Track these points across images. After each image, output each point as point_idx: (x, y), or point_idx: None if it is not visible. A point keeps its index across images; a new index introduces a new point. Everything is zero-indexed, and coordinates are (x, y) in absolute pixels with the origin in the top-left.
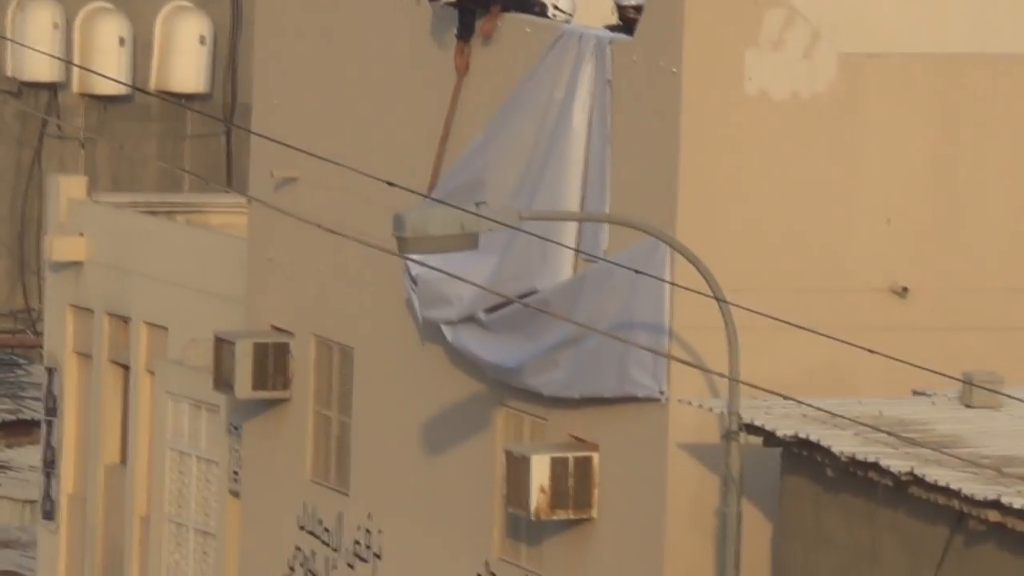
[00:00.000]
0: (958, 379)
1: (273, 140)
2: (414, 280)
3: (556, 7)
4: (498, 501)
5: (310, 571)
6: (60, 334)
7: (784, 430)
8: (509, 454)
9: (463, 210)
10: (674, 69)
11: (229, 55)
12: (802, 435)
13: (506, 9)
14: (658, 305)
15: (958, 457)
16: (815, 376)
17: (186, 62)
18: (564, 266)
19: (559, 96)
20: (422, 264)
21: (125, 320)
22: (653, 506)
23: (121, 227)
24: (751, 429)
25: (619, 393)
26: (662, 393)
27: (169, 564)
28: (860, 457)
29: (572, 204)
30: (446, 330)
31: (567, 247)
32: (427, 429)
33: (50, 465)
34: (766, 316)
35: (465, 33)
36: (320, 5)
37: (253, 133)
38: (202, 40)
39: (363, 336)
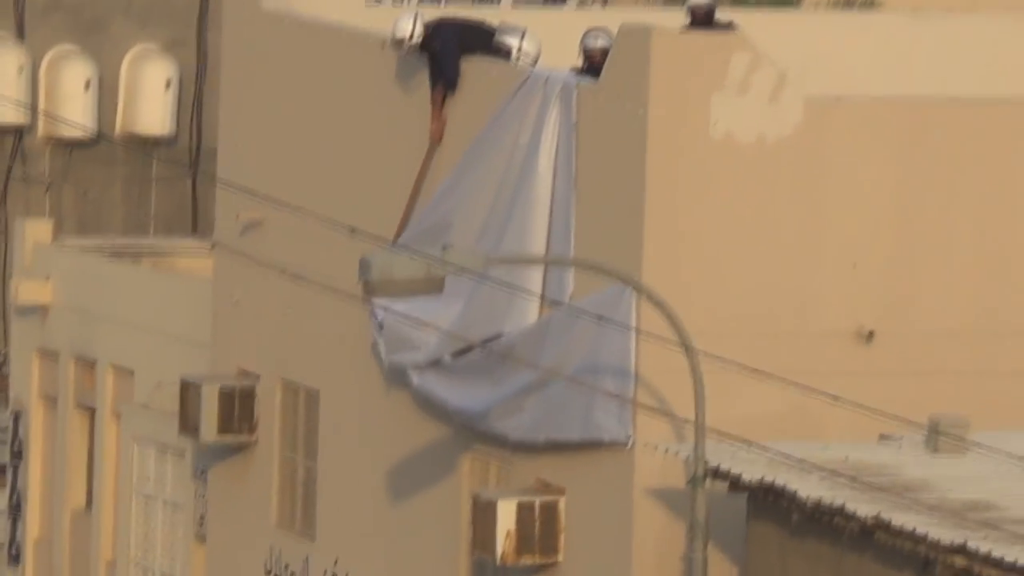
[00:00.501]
0: (922, 426)
1: (237, 190)
2: (380, 325)
3: (520, 50)
4: (464, 546)
5: None
6: (26, 378)
7: (750, 475)
8: (475, 499)
9: (429, 256)
10: (640, 112)
11: (195, 99)
12: (768, 480)
13: (471, 52)
14: (624, 349)
15: (924, 503)
16: (783, 420)
17: (152, 106)
18: (530, 310)
19: (525, 139)
20: (387, 309)
21: (91, 364)
22: (619, 551)
23: (87, 271)
24: (717, 474)
25: (585, 438)
26: (628, 438)
27: None
28: (826, 502)
29: (538, 248)
30: (412, 374)
31: (532, 294)
32: (393, 474)
33: (16, 509)
34: (732, 363)
35: (435, 78)
36: (286, 51)
37: (218, 182)
38: (168, 84)
39: (329, 380)
